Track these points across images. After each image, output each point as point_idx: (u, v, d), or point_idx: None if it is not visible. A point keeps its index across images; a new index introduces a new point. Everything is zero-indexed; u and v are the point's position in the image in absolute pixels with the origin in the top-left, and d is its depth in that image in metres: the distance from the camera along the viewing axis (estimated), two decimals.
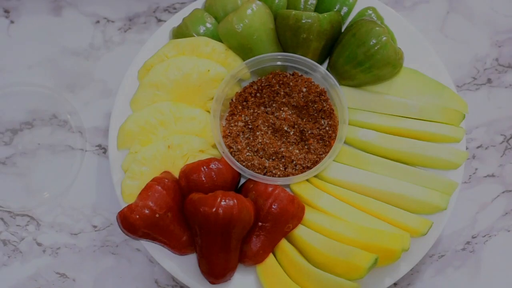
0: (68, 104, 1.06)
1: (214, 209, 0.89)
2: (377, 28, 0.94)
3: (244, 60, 0.98)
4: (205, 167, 0.93)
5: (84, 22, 1.09)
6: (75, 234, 1.04)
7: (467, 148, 1.07)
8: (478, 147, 1.07)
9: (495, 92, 1.09)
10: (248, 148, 0.97)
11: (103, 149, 1.06)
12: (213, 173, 0.93)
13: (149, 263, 1.04)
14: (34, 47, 1.08)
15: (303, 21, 0.94)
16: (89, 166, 1.06)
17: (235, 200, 0.89)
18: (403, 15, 1.09)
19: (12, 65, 1.08)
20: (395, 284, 1.04)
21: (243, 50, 0.98)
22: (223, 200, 0.89)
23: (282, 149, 0.97)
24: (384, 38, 0.93)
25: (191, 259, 0.96)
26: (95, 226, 1.05)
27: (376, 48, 0.93)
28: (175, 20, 1.01)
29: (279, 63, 0.97)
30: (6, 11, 1.10)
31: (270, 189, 0.93)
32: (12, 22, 1.09)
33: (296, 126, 0.98)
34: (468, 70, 1.09)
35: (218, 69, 0.97)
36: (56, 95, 1.06)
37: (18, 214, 1.05)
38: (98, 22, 1.09)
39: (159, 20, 1.09)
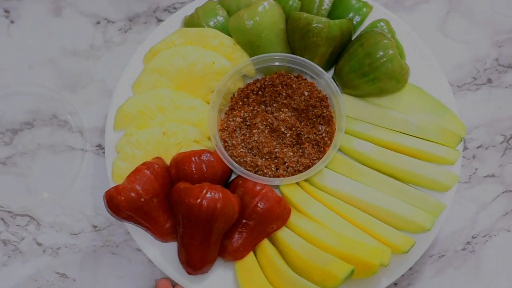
0: (68, 104, 1.06)
1: (198, 200, 0.89)
2: (385, 41, 0.94)
3: (250, 57, 0.98)
4: (196, 158, 0.93)
5: (84, 22, 1.09)
6: (75, 234, 1.04)
7: (467, 148, 1.07)
8: (478, 147, 1.07)
9: (495, 92, 1.09)
10: (242, 144, 0.97)
11: (103, 149, 1.06)
12: (203, 164, 0.93)
13: (149, 263, 1.04)
14: (34, 47, 1.09)
15: (313, 25, 0.94)
16: (89, 166, 1.06)
17: (220, 194, 0.89)
18: (403, 15, 1.09)
19: (12, 65, 1.08)
20: (395, 284, 1.04)
21: (251, 47, 0.98)
22: (209, 193, 0.89)
23: (277, 149, 0.97)
24: (391, 52, 0.93)
25: (173, 247, 0.96)
26: (95, 226, 1.05)
27: (382, 60, 0.93)
28: (189, 9, 1.01)
29: (285, 64, 0.97)
30: (6, 11, 1.10)
31: (258, 187, 0.93)
32: (12, 22, 1.09)
33: (293, 128, 0.98)
34: (468, 70, 1.09)
35: (223, 63, 0.97)
36: (56, 95, 1.06)
37: (18, 214, 1.05)
38: (98, 22, 1.09)
39: (159, 20, 1.09)
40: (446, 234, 1.05)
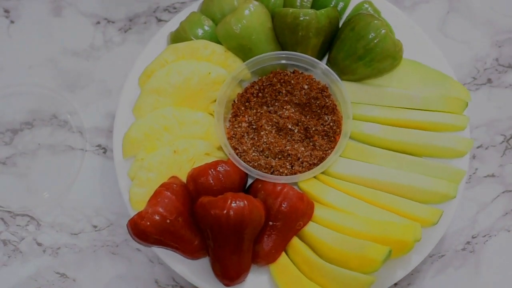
0: (68, 104, 1.06)
1: (225, 211, 0.88)
2: (375, 22, 0.94)
3: (244, 61, 0.98)
4: (212, 170, 0.93)
5: (84, 22, 1.09)
6: (75, 234, 1.04)
7: None
8: (478, 147, 1.07)
9: (495, 92, 1.09)
10: (253, 148, 0.97)
11: (103, 149, 1.06)
12: (221, 175, 0.93)
13: (149, 263, 1.04)
14: (34, 47, 1.09)
15: (301, 19, 0.95)
16: (90, 166, 1.06)
17: (245, 201, 0.89)
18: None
19: (12, 65, 1.08)
20: (395, 284, 1.04)
21: (243, 51, 0.98)
22: (234, 202, 0.89)
23: (288, 147, 0.97)
24: (383, 31, 0.94)
25: (202, 261, 0.96)
26: (95, 226, 1.05)
27: (375, 41, 0.94)
28: (172, 25, 1.01)
29: (279, 61, 0.97)
30: (6, 11, 1.10)
31: (279, 188, 0.93)
32: (12, 22, 1.09)
33: (300, 123, 0.98)
34: (468, 70, 1.09)
35: (218, 71, 0.97)
36: (56, 95, 1.06)
37: (18, 214, 1.05)
38: (98, 22, 1.09)
39: (159, 20, 1.09)
40: (446, 234, 1.05)
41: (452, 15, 1.10)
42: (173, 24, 1.01)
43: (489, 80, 1.09)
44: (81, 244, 1.04)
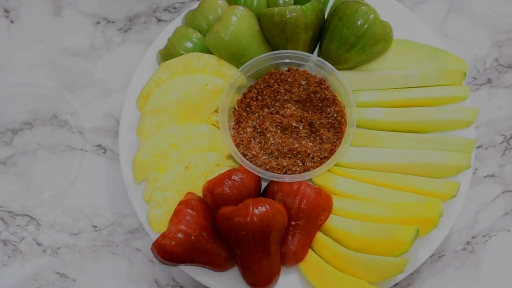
0: (68, 104, 1.06)
1: (248, 219, 0.88)
2: (362, 8, 0.94)
3: (237, 67, 0.98)
4: (228, 180, 0.93)
5: (84, 22, 1.09)
6: (75, 234, 1.04)
7: None
8: (478, 147, 1.07)
9: (495, 92, 1.09)
10: (262, 152, 0.97)
11: (103, 149, 1.06)
12: (236, 183, 0.93)
13: (149, 263, 1.04)
14: (34, 47, 1.09)
15: (288, 16, 0.94)
16: (89, 166, 1.06)
17: (267, 206, 0.90)
18: None
19: (12, 65, 1.08)
20: (395, 284, 1.04)
21: (235, 57, 0.97)
22: (256, 208, 0.89)
23: (296, 145, 0.97)
24: (371, 15, 0.94)
25: (230, 272, 0.96)
26: (95, 226, 1.05)
27: (365, 27, 0.94)
28: (159, 43, 1.00)
29: (272, 62, 0.98)
30: (6, 11, 1.10)
31: (295, 186, 0.93)
32: (12, 22, 1.09)
33: (303, 120, 0.98)
34: (468, 70, 1.09)
35: (215, 81, 0.97)
36: (56, 95, 1.06)
37: (18, 214, 1.05)
38: (98, 22, 1.09)
39: (159, 20, 1.09)
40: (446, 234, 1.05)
41: (452, 15, 1.10)
42: (161, 41, 1.00)
43: (489, 80, 1.09)
44: (81, 244, 1.04)
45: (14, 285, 1.03)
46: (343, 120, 0.98)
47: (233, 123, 0.99)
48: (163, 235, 0.90)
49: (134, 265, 1.04)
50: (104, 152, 1.06)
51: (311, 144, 0.97)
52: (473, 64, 1.09)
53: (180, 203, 0.93)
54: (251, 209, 0.89)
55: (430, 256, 1.04)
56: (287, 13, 0.94)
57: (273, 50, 0.99)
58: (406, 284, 1.04)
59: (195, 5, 1.02)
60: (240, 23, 0.95)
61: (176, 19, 1.02)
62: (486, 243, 1.05)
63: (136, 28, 1.09)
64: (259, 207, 0.89)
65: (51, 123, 1.07)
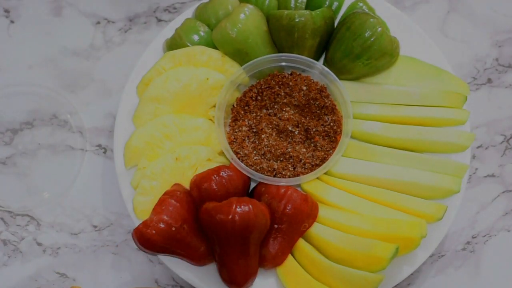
0: (68, 104, 1.07)
1: (230, 216, 0.88)
2: (371, 20, 0.94)
3: (241, 65, 0.98)
4: (215, 176, 0.93)
5: (84, 22, 1.09)
6: (75, 234, 1.04)
7: None
8: (478, 147, 1.07)
9: (495, 92, 1.09)
10: (255, 152, 0.97)
11: (104, 149, 1.06)
12: (224, 180, 0.93)
13: (149, 263, 1.04)
14: (34, 47, 1.09)
15: (297, 20, 0.94)
16: (90, 166, 1.06)
17: (250, 206, 0.89)
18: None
19: (12, 65, 1.08)
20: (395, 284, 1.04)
21: (239, 55, 0.97)
22: (239, 207, 0.89)
23: (289, 149, 0.97)
24: (380, 28, 0.94)
25: (209, 267, 0.96)
26: (95, 226, 1.05)
27: (372, 39, 0.94)
28: (167, 32, 1.01)
29: (276, 64, 0.97)
30: (6, 11, 1.10)
31: (283, 190, 0.93)
32: (12, 22, 1.09)
33: (300, 125, 0.98)
34: (468, 70, 1.09)
35: (216, 77, 0.97)
36: (56, 95, 1.06)
37: (18, 214, 1.05)
38: (98, 22, 1.09)
39: (160, 20, 1.09)
40: (446, 234, 1.05)
41: (452, 15, 1.10)
42: (169, 31, 1.01)
43: (489, 80, 1.09)
44: (81, 244, 1.04)
45: (14, 285, 1.03)
46: (339, 129, 0.98)
47: (230, 120, 0.99)
48: (144, 223, 0.90)
49: (134, 265, 1.04)
50: (104, 152, 1.06)
51: (304, 150, 0.97)
52: (473, 64, 1.09)
53: (166, 193, 0.93)
54: (234, 207, 0.89)
55: (430, 256, 1.04)
56: (295, 17, 0.94)
57: (279, 52, 0.99)
58: (406, 284, 1.04)
59: (195, 5, 1.02)
60: (248, 21, 0.95)
61: (176, 19, 1.02)
62: (486, 243, 1.05)
63: (136, 28, 1.09)
64: (242, 206, 0.89)
65: (51, 123, 1.07)
